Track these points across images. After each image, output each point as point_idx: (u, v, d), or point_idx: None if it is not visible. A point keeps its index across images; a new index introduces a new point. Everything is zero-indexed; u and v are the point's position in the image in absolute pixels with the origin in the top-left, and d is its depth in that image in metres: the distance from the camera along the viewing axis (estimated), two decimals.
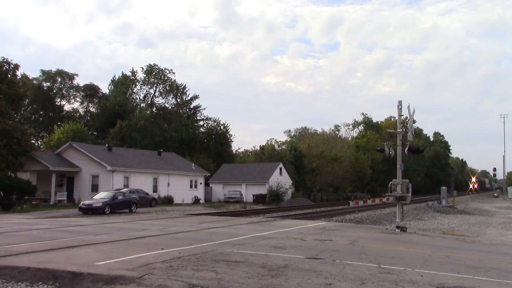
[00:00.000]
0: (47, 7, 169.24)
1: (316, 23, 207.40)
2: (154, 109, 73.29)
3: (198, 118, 77.83)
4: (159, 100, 74.43)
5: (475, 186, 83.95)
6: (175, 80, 73.56)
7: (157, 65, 72.34)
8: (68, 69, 75.68)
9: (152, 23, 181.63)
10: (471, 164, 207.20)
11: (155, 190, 42.73)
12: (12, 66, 37.39)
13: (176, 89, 73.75)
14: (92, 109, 77.52)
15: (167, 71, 72.63)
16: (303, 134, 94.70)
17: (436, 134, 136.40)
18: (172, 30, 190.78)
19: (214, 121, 73.28)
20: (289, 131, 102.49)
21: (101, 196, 29.24)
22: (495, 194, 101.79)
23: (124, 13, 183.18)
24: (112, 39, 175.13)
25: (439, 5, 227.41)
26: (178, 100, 75.85)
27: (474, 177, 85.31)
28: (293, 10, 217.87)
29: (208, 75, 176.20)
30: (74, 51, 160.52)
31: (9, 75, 37.01)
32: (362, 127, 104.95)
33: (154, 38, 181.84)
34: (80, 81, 76.54)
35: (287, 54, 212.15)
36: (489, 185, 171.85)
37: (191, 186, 48.47)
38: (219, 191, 56.14)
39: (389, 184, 17.63)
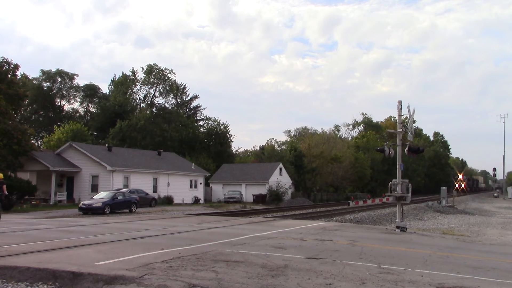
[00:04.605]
0: (43, 6, 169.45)
1: (313, 22, 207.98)
2: (154, 109, 73.27)
3: (198, 118, 77.90)
4: (159, 100, 74.53)
5: (463, 185, 69.25)
6: (175, 80, 73.66)
7: (157, 65, 72.38)
8: (66, 69, 75.66)
9: (149, 23, 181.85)
10: (471, 164, 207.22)
11: (155, 190, 42.73)
12: (12, 66, 37.41)
13: (176, 89, 73.73)
14: (92, 109, 77.56)
15: (167, 71, 72.66)
16: (303, 134, 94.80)
17: (436, 134, 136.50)
18: (169, 30, 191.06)
19: (214, 121, 73.33)
20: (289, 131, 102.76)
21: (101, 196, 29.26)
22: (495, 194, 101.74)
23: (121, 13, 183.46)
24: (109, 39, 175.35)
25: (437, 5, 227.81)
26: (178, 100, 75.86)
27: (461, 174, 71.16)
28: (290, 10, 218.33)
29: (206, 74, 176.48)
30: (71, 50, 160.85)
31: (9, 75, 37.03)
32: (362, 127, 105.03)
33: (151, 38, 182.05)
34: (77, 80, 76.53)
35: (285, 54, 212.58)
36: (484, 184, 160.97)
37: (191, 186, 48.48)
38: (219, 191, 56.14)
39: (389, 184, 17.62)
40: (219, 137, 69.94)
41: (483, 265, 9.96)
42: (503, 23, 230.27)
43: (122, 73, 73.70)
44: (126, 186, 38.39)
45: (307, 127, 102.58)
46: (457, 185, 62.08)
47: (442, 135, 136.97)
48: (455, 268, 9.14)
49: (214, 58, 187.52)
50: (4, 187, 19.35)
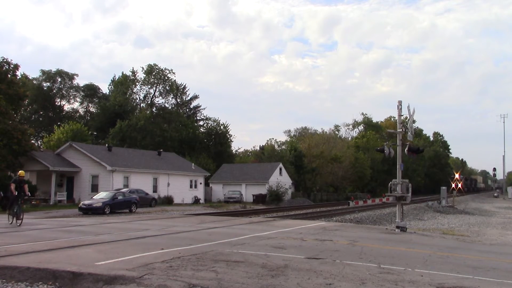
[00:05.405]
0: (43, 6, 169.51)
1: (313, 22, 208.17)
2: (154, 109, 73.29)
3: (198, 118, 77.93)
4: (159, 100, 74.55)
5: (459, 185, 64.13)
6: (175, 80, 73.68)
7: (157, 65, 72.41)
8: (66, 69, 75.75)
9: (149, 23, 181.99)
10: (471, 164, 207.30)
11: (155, 190, 42.73)
12: (12, 66, 37.42)
13: (176, 89, 73.74)
14: (92, 109, 77.60)
15: (167, 71, 72.68)
16: (303, 134, 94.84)
17: (436, 134, 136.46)
18: (168, 30, 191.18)
19: (214, 121, 73.36)
20: (289, 131, 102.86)
21: (101, 196, 29.25)
22: (495, 194, 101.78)
23: (120, 12, 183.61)
24: (108, 39, 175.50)
25: (437, 5, 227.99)
26: (178, 100, 75.87)
27: (458, 173, 67.68)
28: (290, 10, 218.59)
29: (205, 74, 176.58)
30: (71, 50, 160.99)
31: (9, 75, 37.04)
32: (362, 127, 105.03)
33: (151, 38, 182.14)
34: (77, 80, 76.79)
35: (284, 54, 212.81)
36: (483, 184, 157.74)
37: (191, 186, 48.47)
38: (219, 191, 56.14)
39: (389, 184, 17.61)
40: (219, 137, 69.95)
41: (483, 265, 9.96)
42: (502, 23, 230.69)
43: (122, 73, 73.82)
44: (126, 186, 38.38)
45: (307, 127, 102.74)
46: (453, 185, 60.76)
47: (442, 135, 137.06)
48: (455, 268, 9.14)
49: (214, 58, 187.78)
50: (26, 186, 18.12)
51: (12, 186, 17.52)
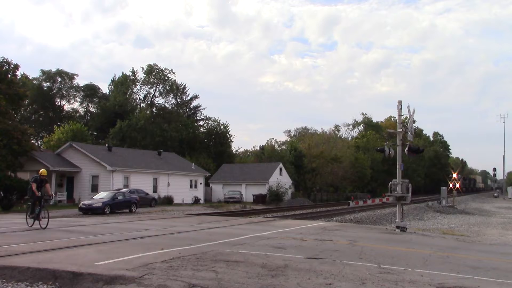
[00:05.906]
0: (42, 6, 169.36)
1: (313, 22, 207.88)
2: (154, 109, 73.32)
3: (198, 118, 77.96)
4: (159, 100, 74.62)
5: (457, 184, 61.13)
6: (175, 80, 73.73)
7: (157, 65, 72.50)
8: (66, 69, 75.75)
9: (149, 23, 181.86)
10: (471, 164, 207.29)
11: (155, 190, 42.74)
12: (12, 66, 37.43)
13: (176, 89, 73.78)
14: (92, 109, 77.62)
15: (167, 71, 72.76)
16: (303, 134, 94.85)
17: (436, 134, 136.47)
18: (168, 30, 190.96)
19: (214, 121, 73.41)
20: (289, 131, 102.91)
21: (101, 196, 29.27)
22: (495, 194, 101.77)
23: (120, 12, 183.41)
24: (108, 39, 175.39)
25: (436, 4, 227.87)
26: (178, 100, 75.91)
27: (456, 173, 66.41)
28: (290, 10, 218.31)
29: (205, 74, 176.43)
30: (70, 50, 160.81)
31: (9, 75, 37.05)
32: (362, 127, 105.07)
33: (150, 38, 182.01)
34: (77, 80, 76.79)
35: (284, 54, 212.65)
36: (482, 184, 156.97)
37: (191, 186, 48.48)
38: (219, 191, 56.16)
39: (389, 184, 17.61)
40: (219, 137, 69.98)
41: (483, 265, 9.96)
42: (502, 23, 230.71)
43: (122, 73, 73.93)
44: (126, 186, 38.38)
45: (307, 127, 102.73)
46: (451, 185, 60.12)
47: (442, 135, 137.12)
48: (455, 268, 9.14)
49: (214, 58, 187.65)
50: (48, 186, 16.82)
51: (34, 186, 16.04)
